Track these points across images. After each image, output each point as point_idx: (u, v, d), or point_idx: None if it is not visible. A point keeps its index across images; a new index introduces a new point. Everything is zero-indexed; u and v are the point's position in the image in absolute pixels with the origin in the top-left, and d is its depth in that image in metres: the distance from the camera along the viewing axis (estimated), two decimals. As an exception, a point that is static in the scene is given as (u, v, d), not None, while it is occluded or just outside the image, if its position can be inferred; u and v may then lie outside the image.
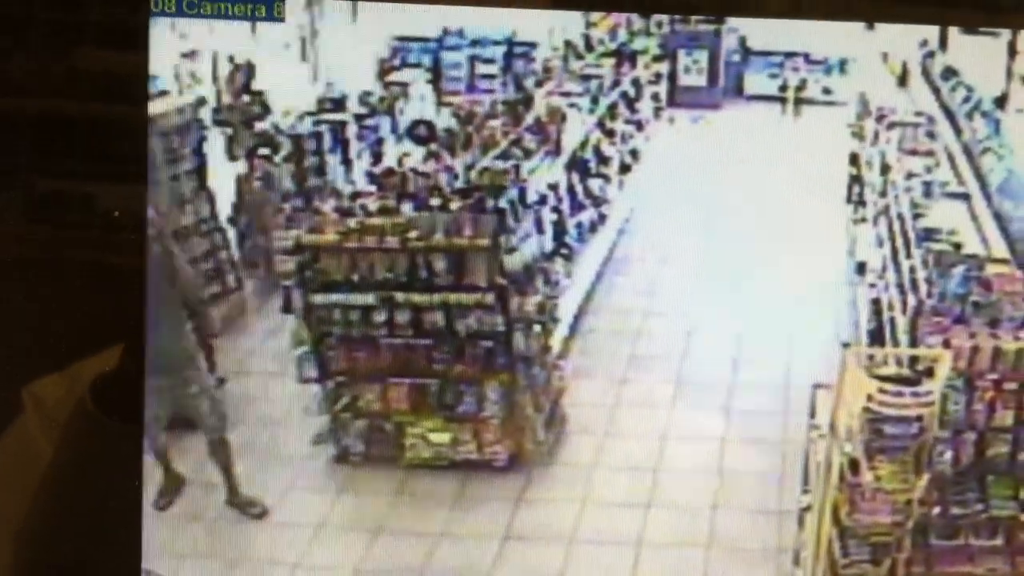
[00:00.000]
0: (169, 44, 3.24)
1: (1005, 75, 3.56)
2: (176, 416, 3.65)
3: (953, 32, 3.69)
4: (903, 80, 4.41)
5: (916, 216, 3.91)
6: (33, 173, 3.32)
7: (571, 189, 4.59)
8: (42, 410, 3.11)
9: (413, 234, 3.86)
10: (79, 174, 3.31)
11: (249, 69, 4.06)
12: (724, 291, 3.84)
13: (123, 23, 3.16)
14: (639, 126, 4.87)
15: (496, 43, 4.44)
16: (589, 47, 4.72)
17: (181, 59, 3.78)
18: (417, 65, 4.41)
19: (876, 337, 3.89)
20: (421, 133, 4.24)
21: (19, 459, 3.10)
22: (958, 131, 4.24)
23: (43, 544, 3.06)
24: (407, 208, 3.91)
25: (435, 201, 3.93)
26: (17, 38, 3.27)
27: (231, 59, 4.05)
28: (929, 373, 3.36)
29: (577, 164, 4.63)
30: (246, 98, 4.14)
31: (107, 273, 3.15)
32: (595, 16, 4.49)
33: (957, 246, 3.68)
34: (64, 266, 3.22)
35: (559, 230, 4.43)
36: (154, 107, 3.38)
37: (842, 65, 4.46)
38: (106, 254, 3.21)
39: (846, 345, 3.59)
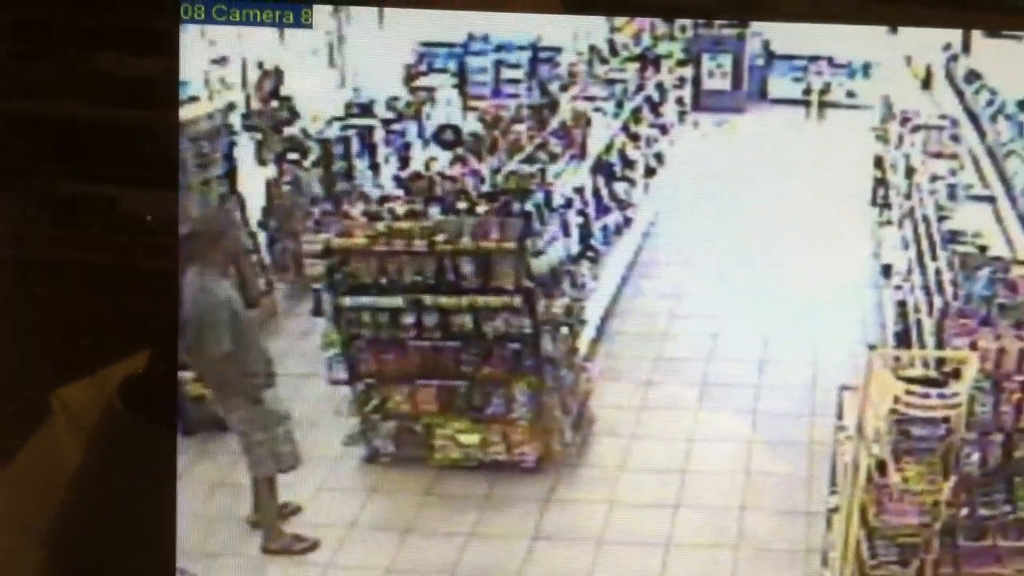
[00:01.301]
0: (199, 50, 3.27)
1: (1029, 78, 3.56)
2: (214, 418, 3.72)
3: (976, 35, 3.70)
4: (927, 83, 4.42)
5: (941, 219, 3.91)
6: (62, 178, 3.34)
7: (596, 192, 4.61)
8: (70, 414, 3.13)
9: (440, 237, 3.89)
10: (110, 179, 3.33)
11: (278, 75, 4.10)
12: (750, 294, 3.86)
13: (154, 30, 3.18)
14: (664, 130, 4.90)
15: (521, 48, 4.47)
16: (614, 52, 4.75)
17: (211, 65, 3.82)
18: (443, 70, 4.45)
19: (902, 339, 3.90)
20: (447, 137, 4.28)
21: (47, 462, 3.11)
22: (982, 134, 4.25)
23: (72, 546, 3.08)
24: (434, 212, 3.93)
25: (462, 205, 3.95)
26: (48, 44, 3.29)
27: (260, 65, 4.09)
28: (956, 375, 3.36)
29: (602, 168, 4.65)
30: (275, 103, 4.18)
31: (137, 277, 3.17)
32: (619, 21, 4.51)
33: (982, 248, 3.68)
34: (93, 270, 3.24)
35: (585, 233, 4.45)
36: (185, 112, 3.41)
37: (866, 69, 4.49)
38: (135, 258, 3.23)
39: (872, 347, 3.60)
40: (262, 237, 4.21)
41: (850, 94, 4.50)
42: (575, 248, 4.35)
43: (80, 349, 3.12)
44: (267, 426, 3.67)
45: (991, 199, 3.97)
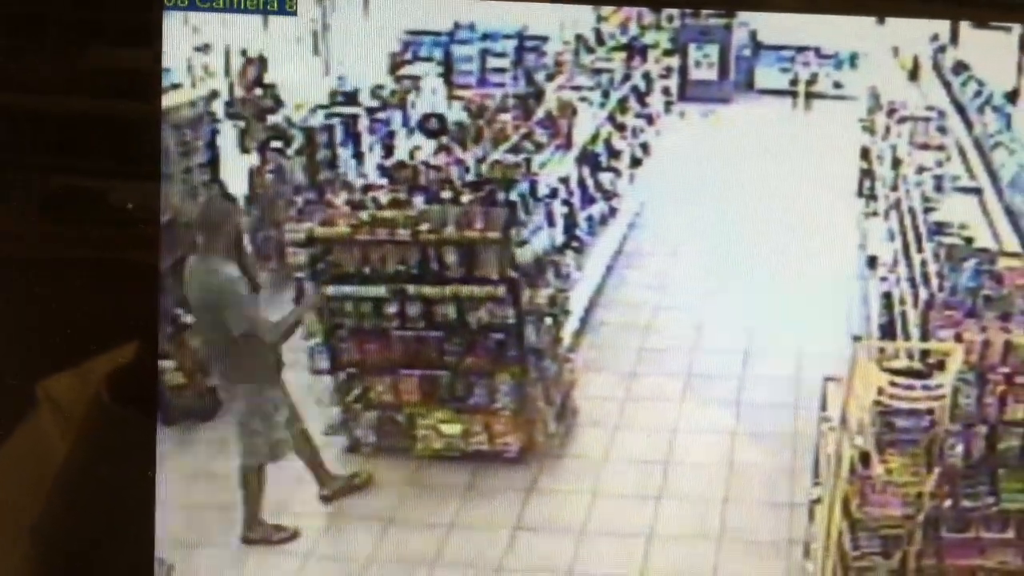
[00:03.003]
0: (182, 38, 3.24)
1: (1017, 70, 3.56)
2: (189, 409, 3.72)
3: (964, 27, 3.69)
4: (914, 74, 4.41)
5: (927, 210, 3.91)
6: (46, 170, 3.32)
7: (582, 182, 4.60)
8: (56, 406, 3.12)
9: (424, 227, 3.88)
10: (92, 171, 3.32)
11: (261, 63, 4.07)
12: (734, 285, 3.84)
13: (136, 17, 3.16)
14: (650, 120, 4.89)
15: (507, 37, 4.44)
16: (600, 41, 4.73)
17: (194, 52, 3.78)
18: (428, 59, 4.42)
19: (887, 331, 3.89)
20: (432, 126, 4.25)
21: (33, 454, 3.10)
22: (969, 125, 4.24)
23: (58, 536, 3.07)
24: (418, 201, 3.92)
25: (446, 194, 3.94)
26: (27, 33, 3.26)
27: (244, 53, 4.05)
28: (940, 367, 3.36)
29: (588, 158, 4.64)
30: (258, 91, 4.15)
31: (121, 269, 3.15)
32: (606, 10, 4.50)
33: (968, 240, 3.68)
34: (78, 263, 3.22)
35: (570, 223, 4.44)
36: (167, 100, 3.38)
37: (853, 59, 4.46)
38: (120, 250, 3.21)
39: (857, 338, 3.59)
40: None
41: (837, 85, 4.49)
42: (560, 238, 4.34)
43: (65, 340, 3.11)
44: (266, 415, 3.69)
45: (977, 191, 3.97)
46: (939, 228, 3.79)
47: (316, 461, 3.80)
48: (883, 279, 4.10)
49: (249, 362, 3.67)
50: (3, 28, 3.18)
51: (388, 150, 4.35)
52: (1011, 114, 3.88)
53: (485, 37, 4.40)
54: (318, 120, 4.25)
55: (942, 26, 3.88)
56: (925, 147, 4.15)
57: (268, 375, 3.71)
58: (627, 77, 4.78)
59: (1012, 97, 3.74)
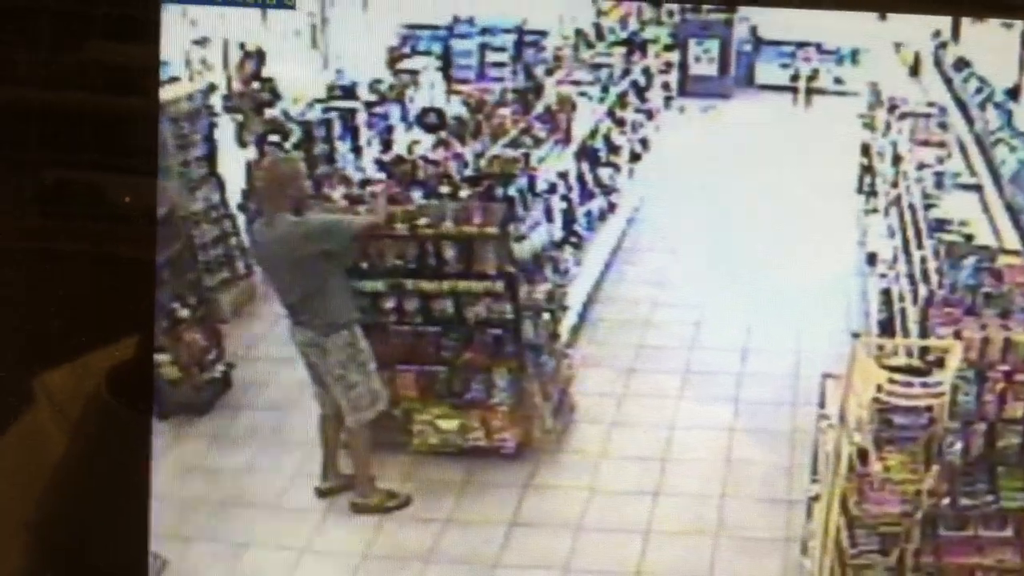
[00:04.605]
0: (180, 31, 3.24)
1: (1018, 66, 3.55)
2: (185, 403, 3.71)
3: (966, 23, 3.68)
4: (915, 70, 4.40)
5: (927, 207, 3.90)
6: (43, 165, 3.32)
7: (581, 178, 4.58)
8: (53, 401, 3.11)
9: (423, 221, 3.87)
10: (89, 165, 3.31)
11: (259, 56, 4.06)
12: (734, 281, 3.84)
13: (135, 10, 3.15)
14: (649, 115, 4.87)
15: (506, 31, 4.43)
16: (600, 36, 4.72)
17: (192, 46, 3.78)
18: (427, 53, 4.41)
19: (886, 327, 3.88)
20: (431, 121, 4.24)
21: (31, 448, 3.10)
22: (970, 122, 4.23)
23: (57, 529, 3.06)
24: (417, 195, 3.91)
25: (445, 189, 3.93)
26: (26, 27, 3.26)
27: (242, 46, 4.05)
28: (939, 364, 3.35)
29: (587, 153, 4.63)
30: (256, 85, 4.14)
31: (118, 263, 3.15)
32: (606, 5, 4.48)
33: (968, 237, 3.66)
34: (75, 257, 3.22)
35: (569, 218, 4.43)
36: (165, 93, 3.38)
37: (854, 55, 4.46)
38: (117, 245, 3.21)
39: (856, 335, 3.58)
40: (242, 220, 4.17)
41: (838, 80, 4.48)
42: (558, 233, 4.32)
43: (62, 335, 3.10)
44: (362, 363, 3.73)
45: (978, 188, 3.96)
46: (939, 225, 3.77)
47: (334, 451, 3.80)
48: (882, 276, 4.09)
49: (343, 305, 3.72)
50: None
51: (386, 144, 4.34)
52: (1012, 110, 3.87)
53: (484, 31, 4.39)
54: (316, 114, 4.24)
55: (944, 22, 3.87)
56: (926, 143, 4.14)
57: (355, 322, 3.74)
58: (627, 72, 4.77)
59: (1013, 93, 3.74)
